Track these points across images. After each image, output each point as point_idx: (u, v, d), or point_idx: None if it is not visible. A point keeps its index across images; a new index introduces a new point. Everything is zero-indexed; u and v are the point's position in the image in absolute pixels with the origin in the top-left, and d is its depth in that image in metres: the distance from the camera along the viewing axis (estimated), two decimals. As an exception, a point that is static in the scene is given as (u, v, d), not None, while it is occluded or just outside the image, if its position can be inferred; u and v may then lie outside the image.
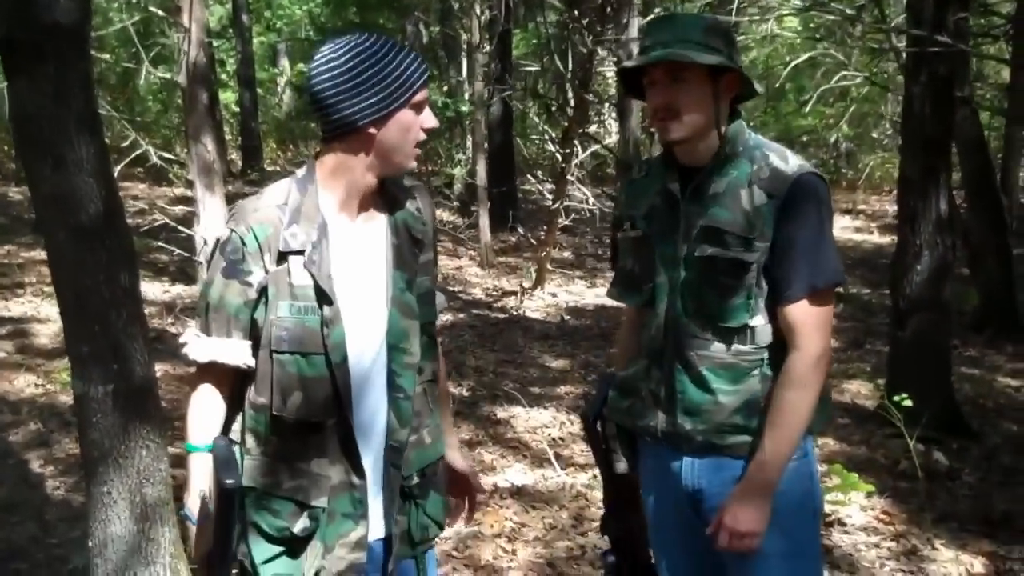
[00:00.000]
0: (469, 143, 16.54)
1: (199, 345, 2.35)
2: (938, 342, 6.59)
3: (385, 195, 2.43)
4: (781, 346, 2.50)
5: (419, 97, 2.29)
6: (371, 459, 2.38)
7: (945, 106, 6.47)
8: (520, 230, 13.62)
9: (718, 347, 2.51)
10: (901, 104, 8.46)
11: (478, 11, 13.32)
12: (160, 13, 11.43)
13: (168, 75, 12.05)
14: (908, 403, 5.53)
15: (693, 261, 2.52)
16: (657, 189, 2.63)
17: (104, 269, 3.51)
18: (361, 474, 2.34)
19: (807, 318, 2.46)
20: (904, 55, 7.70)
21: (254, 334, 2.31)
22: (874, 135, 21.90)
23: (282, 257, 2.28)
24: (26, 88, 3.39)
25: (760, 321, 2.49)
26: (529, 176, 14.41)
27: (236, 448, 2.32)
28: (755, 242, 2.44)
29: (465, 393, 7.37)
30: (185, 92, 10.57)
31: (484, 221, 12.56)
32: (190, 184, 10.98)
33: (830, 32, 16.52)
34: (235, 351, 2.32)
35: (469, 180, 14.85)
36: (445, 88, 19.29)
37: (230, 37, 23.82)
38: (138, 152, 10.55)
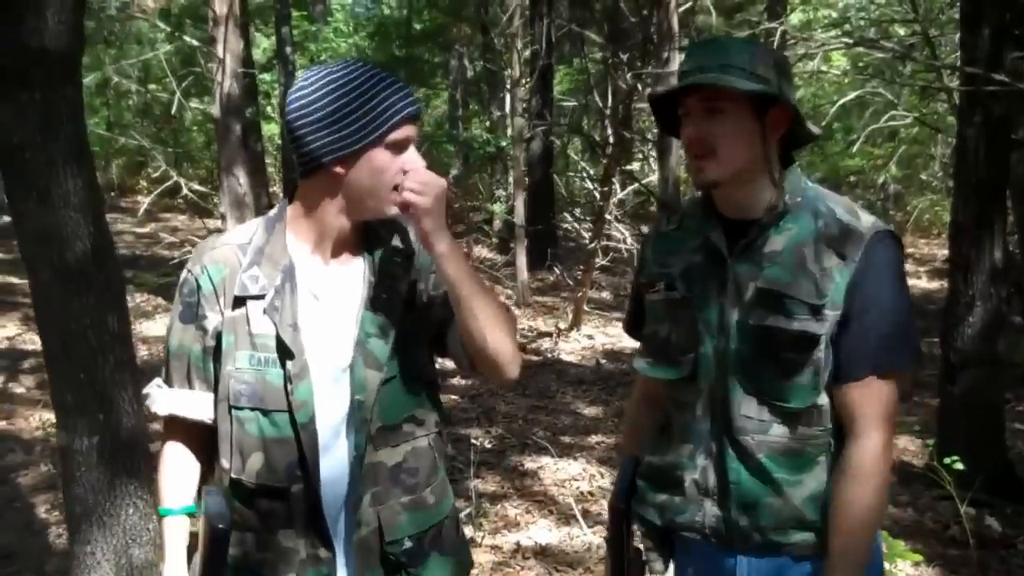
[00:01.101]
0: (510, 179, 16.35)
1: (160, 397, 2.16)
2: (991, 398, 6.22)
3: (367, 234, 2.16)
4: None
5: (397, 135, 2.00)
6: (339, 527, 2.11)
7: (1000, 148, 6.14)
8: (558, 269, 13.34)
9: (779, 431, 2.13)
10: (953, 146, 8.16)
11: (519, 46, 13.12)
12: (196, 44, 11.35)
13: (204, 107, 11.98)
14: (959, 464, 5.18)
15: (748, 330, 2.13)
16: (695, 244, 2.26)
17: (91, 312, 3.31)
18: (329, 546, 2.07)
19: (868, 404, 2.10)
20: (956, 95, 7.40)
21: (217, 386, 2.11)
22: (923, 177, 21.47)
23: (239, 302, 2.06)
24: (11, 116, 3.19)
25: (826, 400, 2.13)
26: (567, 214, 14.15)
27: (223, 496, 2.05)
28: (824, 310, 2.08)
29: (493, 441, 7.08)
30: (218, 123, 10.48)
31: (521, 259, 12.31)
32: (223, 217, 10.87)
33: (879, 71, 16.18)
34: (195, 404, 2.12)
35: (508, 217, 14.63)
36: (487, 123, 19.15)
37: (274, 69, 23.84)
38: (169, 184, 10.43)
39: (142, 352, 9.08)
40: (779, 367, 2.10)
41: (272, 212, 2.16)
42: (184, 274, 2.12)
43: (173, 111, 11.19)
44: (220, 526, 1.95)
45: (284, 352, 2.02)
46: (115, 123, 20.31)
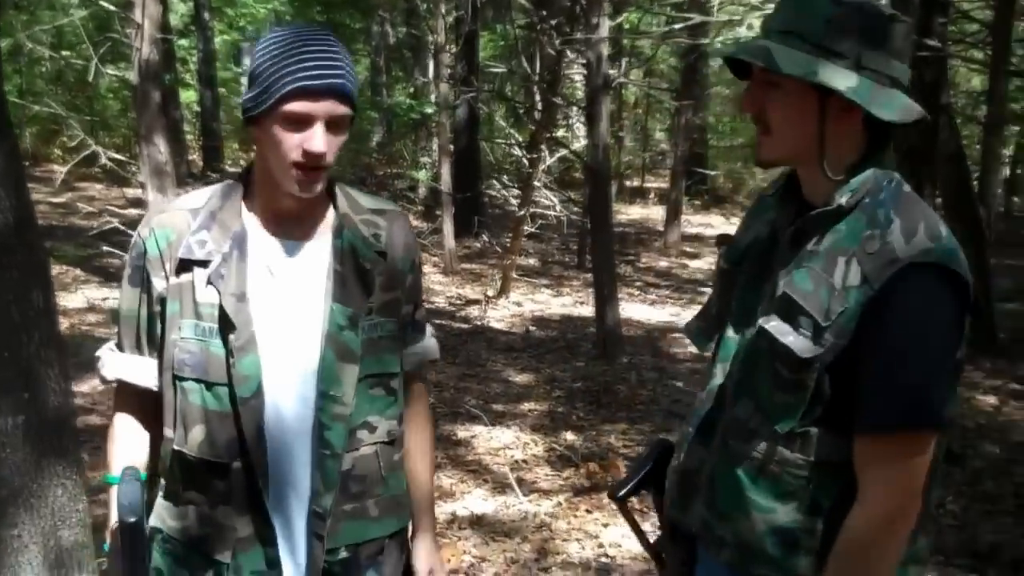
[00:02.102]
0: (434, 145, 16.22)
1: (109, 361, 2.12)
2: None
3: (337, 220, 2.07)
4: (844, 473, 1.84)
5: (287, 108, 1.86)
6: (297, 524, 2.03)
7: (930, 114, 6.20)
8: (485, 236, 13.29)
9: (761, 447, 1.89)
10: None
11: (444, 11, 12.98)
12: (112, 8, 11.03)
13: (121, 73, 11.67)
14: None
15: (759, 330, 1.89)
16: (769, 217, 2.01)
17: (14, 287, 3.17)
18: (270, 528, 1.99)
19: (873, 464, 1.79)
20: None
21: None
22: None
23: (184, 267, 1.98)
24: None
25: (816, 431, 1.84)
26: (495, 181, 14.08)
27: (139, 483, 1.94)
28: (826, 334, 1.78)
29: (424, 410, 7.01)
30: (136, 91, 10.21)
31: (448, 227, 12.22)
32: (142, 185, 10.61)
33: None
34: (143, 369, 2.08)
35: (433, 184, 14.51)
36: (411, 90, 18.97)
37: (191, 35, 23.37)
38: (86, 152, 10.15)
39: (63, 326, 8.87)
40: (772, 379, 1.86)
41: (233, 174, 2.08)
42: (134, 237, 2.06)
43: (90, 78, 10.89)
44: (130, 519, 1.85)
45: (225, 323, 1.94)
46: (27, 90, 19.74)
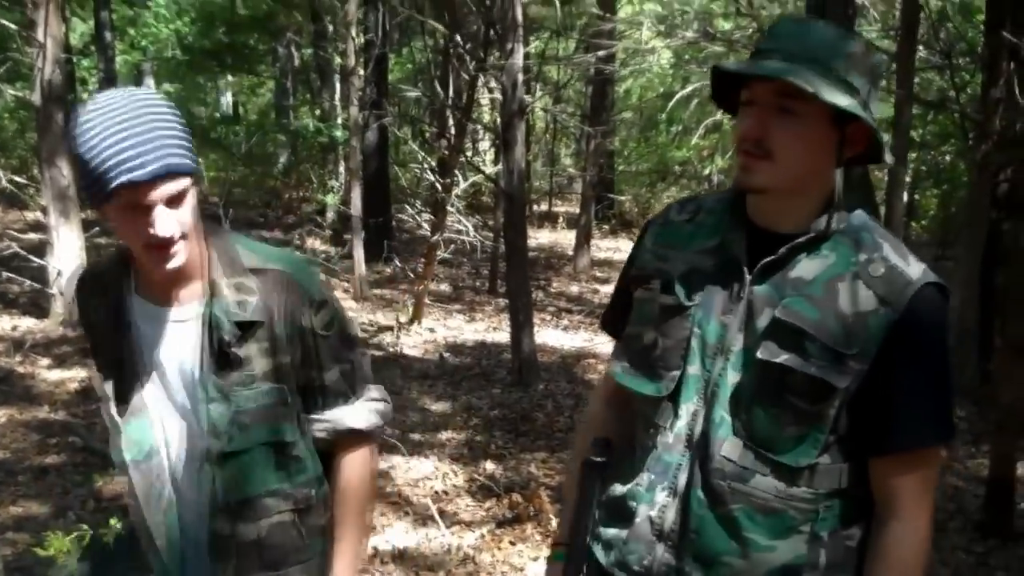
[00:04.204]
0: (342, 169, 16.04)
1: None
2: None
3: (210, 286, 2.01)
4: (852, 499, 1.87)
5: (122, 202, 1.79)
6: None
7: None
8: (396, 261, 13.15)
9: (762, 483, 1.83)
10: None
11: (354, 34, 12.85)
12: (13, 27, 10.72)
13: (21, 93, 11.34)
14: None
15: (753, 364, 1.82)
16: (708, 245, 1.93)
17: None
18: None
19: (913, 481, 1.83)
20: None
21: None
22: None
23: (93, 327, 2.08)
24: None
25: (826, 460, 1.83)
26: (406, 205, 13.96)
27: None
28: (849, 361, 1.76)
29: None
30: (39, 112, 9.92)
31: (359, 252, 12.05)
32: (43, 210, 10.30)
33: (703, 62, 16.52)
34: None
35: (342, 208, 14.33)
36: (318, 112, 18.78)
37: (92, 54, 22.90)
38: (-14, 175, 9.82)
39: (-41, 354, 8.55)
40: (781, 413, 1.80)
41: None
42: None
43: (-11, 97, 10.57)
44: None
45: (111, 390, 2.03)
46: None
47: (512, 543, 5.27)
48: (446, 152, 10.95)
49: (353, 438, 2.18)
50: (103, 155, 1.73)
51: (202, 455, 1.99)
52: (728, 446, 1.85)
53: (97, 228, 10.89)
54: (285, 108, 21.63)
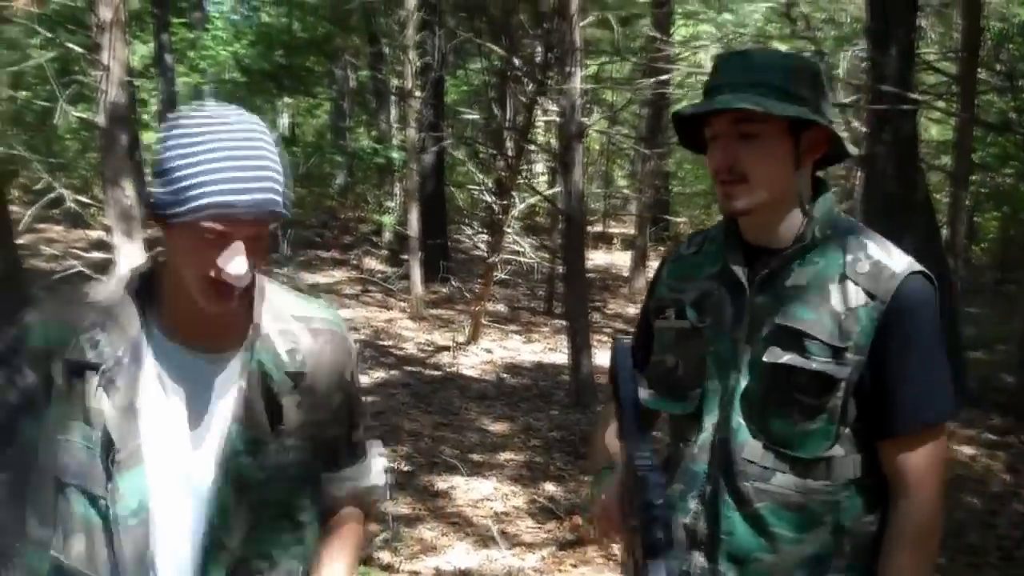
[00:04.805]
0: (398, 190, 16.15)
1: None
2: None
3: (250, 329, 1.83)
4: (868, 487, 1.99)
5: (204, 225, 1.62)
6: None
7: (909, 165, 6.24)
8: (453, 282, 13.21)
9: (783, 480, 1.95)
10: (852, 162, 8.25)
11: (411, 56, 12.96)
12: (79, 50, 10.92)
13: (87, 115, 11.53)
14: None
15: (760, 368, 1.96)
16: (714, 271, 2.09)
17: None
18: None
19: (919, 457, 1.94)
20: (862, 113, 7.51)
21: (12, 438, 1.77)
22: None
23: (75, 369, 1.73)
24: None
25: (840, 452, 1.95)
26: (463, 226, 14.03)
27: None
28: (846, 353, 1.91)
29: (400, 460, 6.89)
30: (103, 134, 10.09)
31: (416, 272, 12.14)
32: (107, 229, 10.46)
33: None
34: None
35: (399, 228, 14.43)
36: (374, 134, 18.92)
37: (152, 77, 23.26)
38: (52, 196, 10.00)
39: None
40: (791, 410, 1.94)
41: (141, 266, 1.85)
42: (25, 316, 1.80)
43: (56, 120, 10.77)
44: None
45: (108, 437, 1.72)
46: (-15, 131, 19.56)
47: (574, 566, 5.26)
48: (503, 173, 10.98)
49: (360, 500, 2.04)
50: (204, 167, 1.58)
51: (214, 512, 1.77)
52: (748, 449, 1.98)
53: (161, 248, 11.03)
54: (342, 129, 21.83)
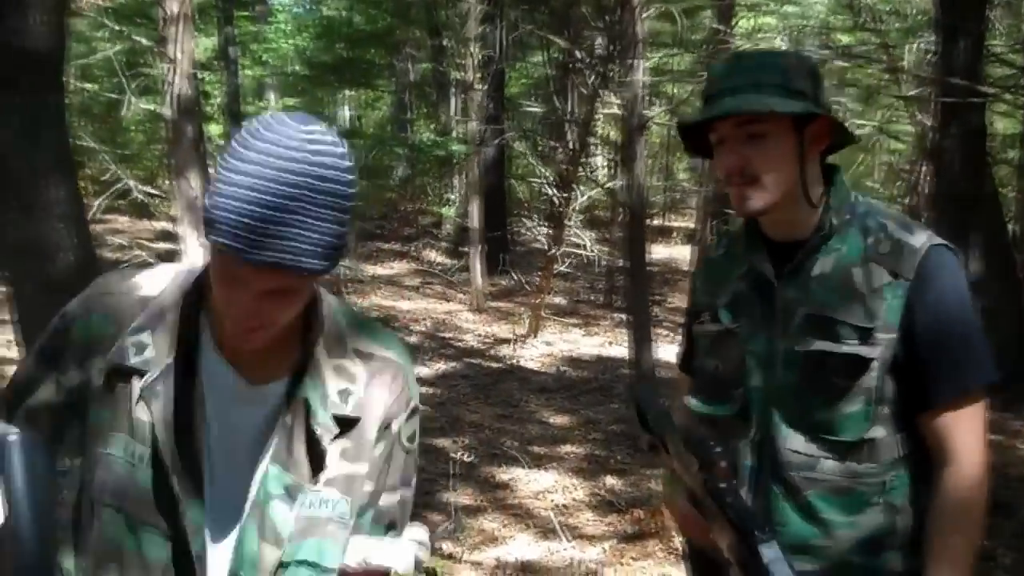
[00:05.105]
0: (458, 182, 16.19)
1: None
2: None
3: (301, 361, 1.61)
4: (916, 465, 2.00)
5: (223, 261, 1.42)
6: None
7: (977, 159, 6.15)
8: (513, 274, 13.23)
9: (829, 467, 1.98)
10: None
11: (473, 49, 12.99)
12: (146, 43, 11.09)
13: (153, 107, 11.70)
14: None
15: (795, 358, 1.99)
16: (742, 271, 2.12)
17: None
18: None
19: (961, 425, 1.95)
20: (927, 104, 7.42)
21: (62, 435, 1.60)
22: (868, 183, 21.69)
23: (116, 372, 1.55)
24: (-6, 123, 3.01)
25: (881, 432, 1.97)
26: (523, 219, 14.04)
27: None
28: (876, 333, 1.93)
29: (462, 451, 6.93)
30: (170, 125, 10.22)
31: (476, 265, 12.18)
32: (174, 220, 10.62)
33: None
34: None
35: (460, 221, 14.48)
36: (435, 126, 18.98)
37: (217, 70, 23.51)
38: (119, 186, 10.17)
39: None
40: (828, 396, 1.97)
41: (195, 266, 1.64)
42: (67, 306, 1.66)
43: (124, 112, 10.98)
44: None
45: (159, 456, 1.52)
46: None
47: (635, 558, 5.27)
48: (564, 166, 10.98)
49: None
50: (224, 201, 1.36)
51: (240, 561, 1.56)
52: (792, 440, 2.01)
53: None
54: (403, 122, 21.92)
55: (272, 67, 25.45)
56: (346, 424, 1.60)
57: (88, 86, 18.57)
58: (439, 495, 5.97)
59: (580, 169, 10.60)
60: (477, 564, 5.15)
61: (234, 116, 22.01)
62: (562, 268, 11.93)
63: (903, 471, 2.00)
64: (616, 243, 11.98)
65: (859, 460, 1.97)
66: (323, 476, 1.59)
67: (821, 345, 1.96)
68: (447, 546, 5.25)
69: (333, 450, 1.59)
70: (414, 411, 1.71)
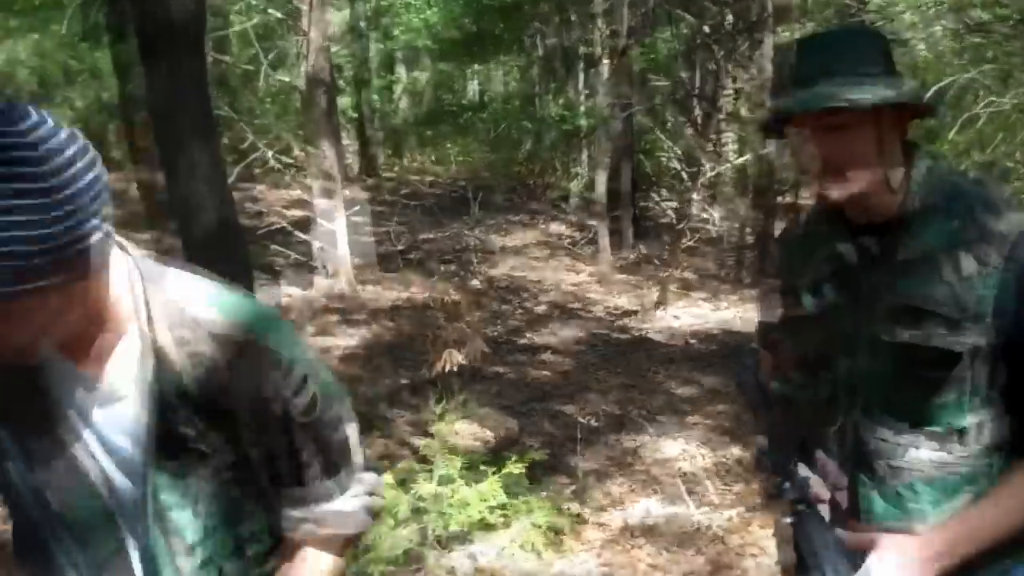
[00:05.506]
0: (585, 156, 16.23)
1: None
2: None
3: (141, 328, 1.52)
4: (1008, 453, 1.90)
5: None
6: None
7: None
8: (641, 248, 13.25)
9: (916, 455, 1.91)
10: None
11: (601, 24, 13.01)
12: (280, 16, 11.38)
13: (287, 78, 12.01)
14: None
15: (883, 347, 1.91)
16: (825, 253, 2.03)
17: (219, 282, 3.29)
18: None
19: None
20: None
21: None
22: (1010, 164, 21.04)
23: None
24: (142, 85, 3.18)
25: (975, 420, 1.87)
26: (651, 193, 14.03)
27: None
28: (966, 323, 1.83)
29: (589, 417, 7.02)
30: (304, 96, 10.50)
31: (603, 238, 12.23)
32: (307, 188, 10.92)
33: (959, 55, 15.83)
34: None
35: (587, 195, 14.53)
36: (563, 100, 19.03)
37: (348, 43, 23.89)
38: (256, 155, 10.50)
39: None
40: (917, 386, 1.89)
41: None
42: None
43: (260, 83, 11.30)
44: None
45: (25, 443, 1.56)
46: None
47: (761, 527, 5.29)
48: (692, 141, 10.96)
49: (324, 539, 1.73)
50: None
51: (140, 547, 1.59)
52: (880, 429, 1.94)
53: (357, 207, 11.45)
54: (531, 96, 22.01)
55: (401, 41, 25.76)
56: (205, 404, 1.53)
57: (225, 58, 19.06)
58: (566, 458, 6.07)
59: (708, 144, 10.54)
60: (603, 526, 5.24)
61: (364, 88, 22.39)
62: (690, 242, 11.91)
63: (997, 458, 1.90)
64: (745, 218, 11.91)
65: (951, 449, 1.89)
66: (213, 462, 1.56)
67: (910, 336, 1.87)
68: (574, 507, 5.35)
69: (212, 433, 1.55)
70: (301, 381, 1.59)
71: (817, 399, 2.04)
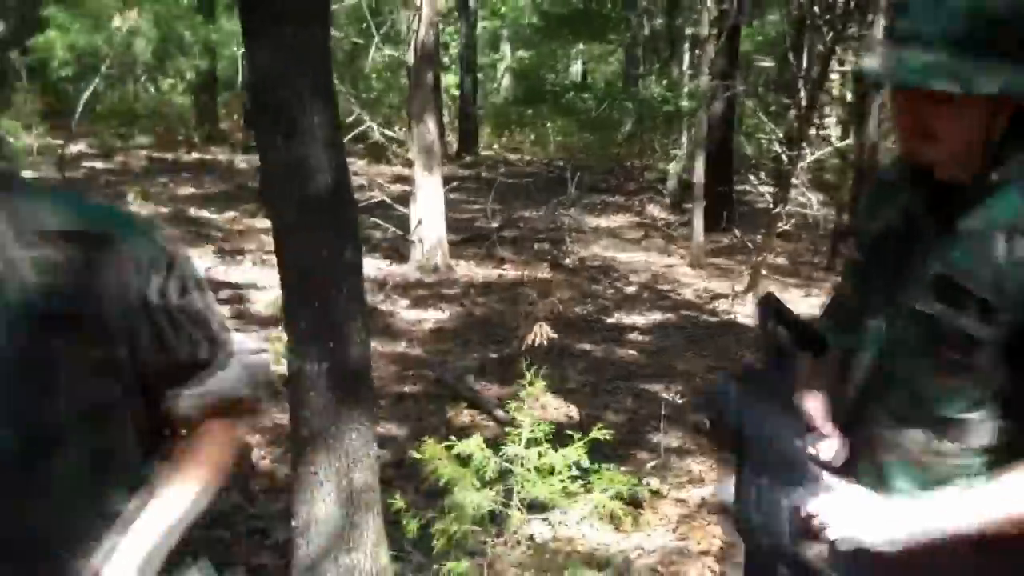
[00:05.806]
0: (685, 138, 16.20)
1: None
2: None
3: None
4: (1005, 455, 1.75)
5: None
6: None
7: None
8: (735, 231, 13.20)
9: (913, 436, 1.82)
10: None
11: (709, 4, 12.96)
12: (391, -8, 11.58)
13: (395, 53, 12.19)
14: None
15: (914, 316, 1.80)
16: (900, 204, 1.91)
17: (329, 244, 3.41)
18: None
19: None
20: None
21: None
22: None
23: None
24: (264, 51, 3.31)
25: (981, 416, 1.76)
26: (750, 176, 13.95)
27: None
28: (998, 313, 1.69)
29: (673, 396, 7.08)
30: (412, 71, 10.66)
31: (698, 220, 12.21)
32: (409, 163, 11.10)
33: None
34: None
35: (684, 176, 14.51)
36: (665, 81, 18.98)
37: (455, 20, 24.08)
38: (361, 128, 10.69)
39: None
40: (935, 365, 1.78)
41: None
42: None
43: (369, 58, 11.50)
44: None
45: None
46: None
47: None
48: (795, 124, 10.89)
49: (221, 407, 1.71)
50: None
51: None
52: (887, 397, 1.86)
53: (455, 183, 11.60)
54: (633, 76, 21.98)
55: (508, 19, 25.90)
56: (64, 319, 1.48)
57: (335, 33, 19.39)
58: (648, 435, 6.15)
59: (811, 128, 10.46)
60: (682, 501, 5.32)
61: (468, 66, 22.57)
62: (785, 227, 11.83)
63: (993, 459, 1.77)
64: (844, 205, 11.79)
65: (948, 438, 1.79)
66: (74, 377, 1.50)
67: (939, 310, 1.76)
68: (654, 482, 5.43)
69: (71, 348, 1.50)
70: (170, 266, 1.59)
71: (847, 349, 1.96)
